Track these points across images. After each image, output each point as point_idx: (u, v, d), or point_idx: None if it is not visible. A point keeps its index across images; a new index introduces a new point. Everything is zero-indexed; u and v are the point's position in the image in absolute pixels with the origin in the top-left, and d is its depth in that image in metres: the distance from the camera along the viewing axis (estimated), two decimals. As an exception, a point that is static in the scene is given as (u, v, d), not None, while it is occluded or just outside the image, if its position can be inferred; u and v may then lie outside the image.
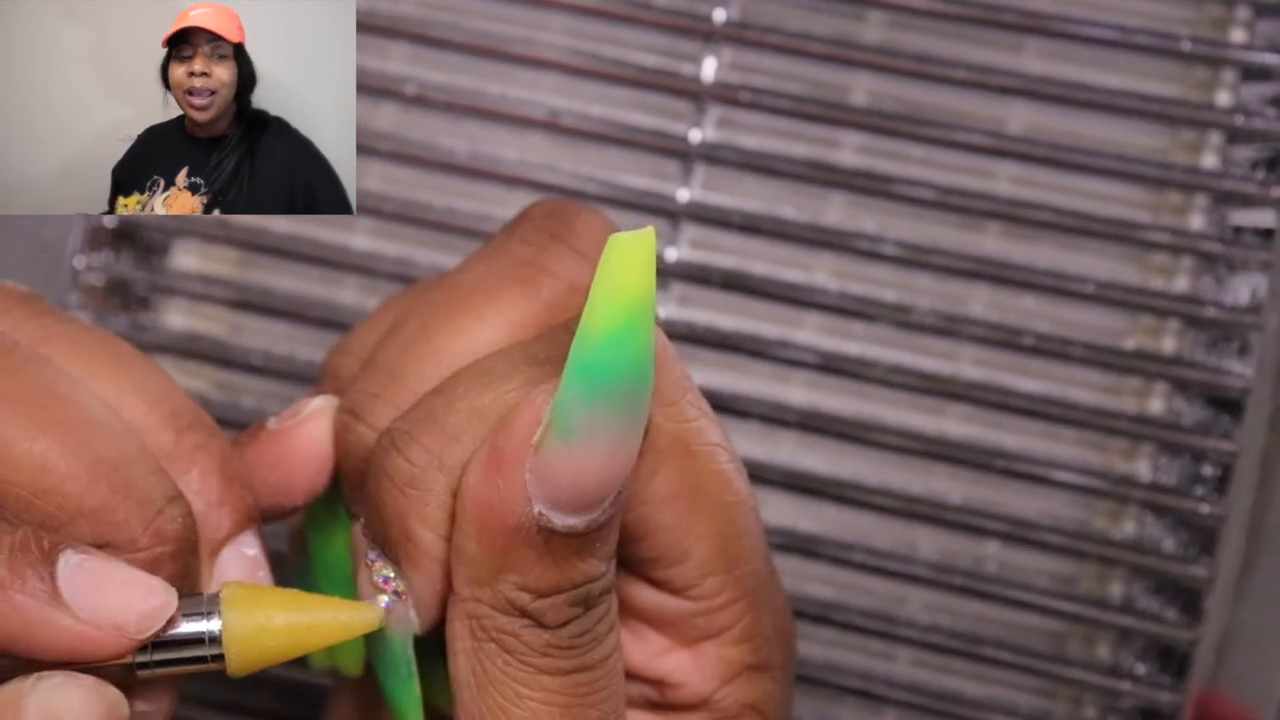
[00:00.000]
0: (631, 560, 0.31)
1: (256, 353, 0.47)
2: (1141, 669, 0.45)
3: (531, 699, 0.28)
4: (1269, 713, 0.44)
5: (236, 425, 0.47)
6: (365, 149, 0.46)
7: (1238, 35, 0.45)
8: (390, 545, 0.30)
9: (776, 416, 0.46)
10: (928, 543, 0.46)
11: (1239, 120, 0.45)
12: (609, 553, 0.28)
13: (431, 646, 0.31)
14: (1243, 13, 0.45)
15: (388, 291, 0.47)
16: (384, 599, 0.30)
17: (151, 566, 0.28)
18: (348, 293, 0.48)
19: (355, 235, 0.47)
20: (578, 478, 0.27)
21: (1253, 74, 0.45)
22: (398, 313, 0.33)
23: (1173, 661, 0.45)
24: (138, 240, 0.48)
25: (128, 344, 0.32)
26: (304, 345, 0.47)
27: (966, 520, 0.45)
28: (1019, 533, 0.45)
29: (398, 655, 0.30)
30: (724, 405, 0.46)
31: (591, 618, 0.29)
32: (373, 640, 0.31)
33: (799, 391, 0.46)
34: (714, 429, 0.31)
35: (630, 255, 0.26)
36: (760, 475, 0.45)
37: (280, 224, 0.47)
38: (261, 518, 0.33)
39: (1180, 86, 0.46)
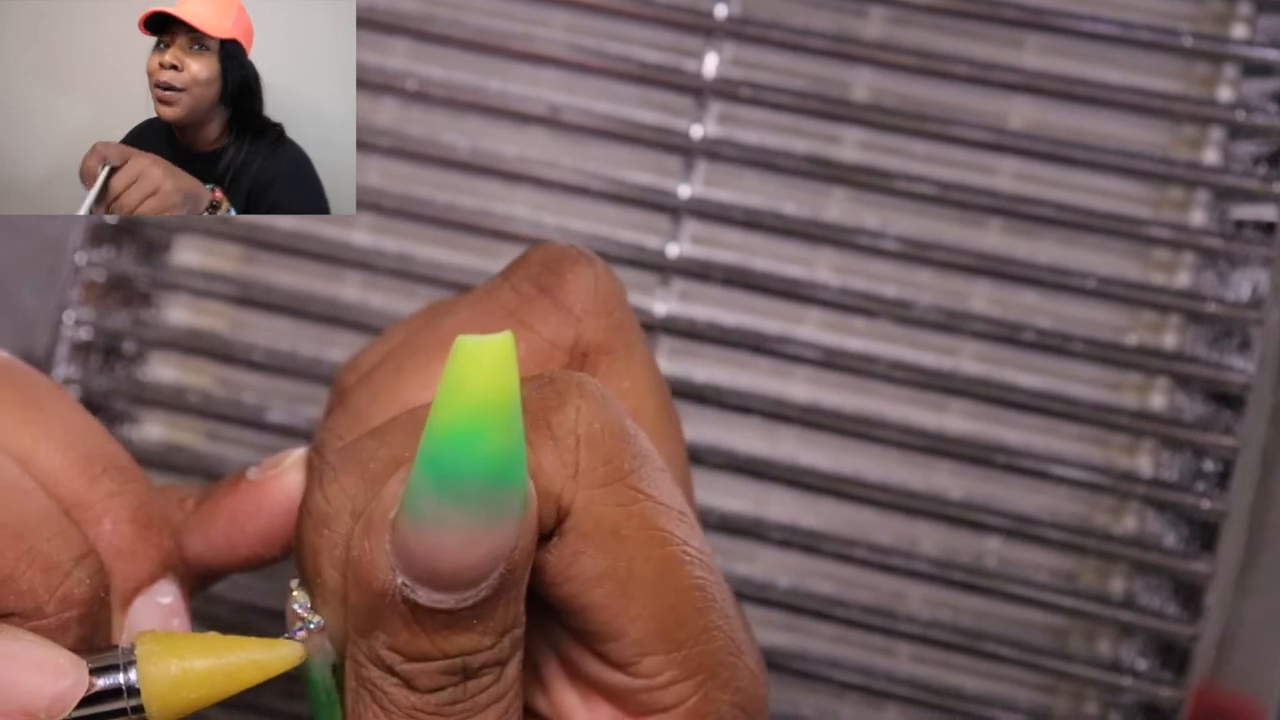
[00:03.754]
0: (573, 630, 0.30)
1: (258, 348, 0.47)
2: (1143, 664, 0.45)
3: None
4: (1270, 708, 0.44)
5: (238, 421, 0.47)
6: (366, 144, 0.46)
7: (1239, 30, 0.45)
8: (305, 579, 0.30)
9: (778, 412, 0.46)
10: (929, 538, 0.46)
11: (1240, 116, 0.45)
12: (500, 628, 0.28)
13: None
14: (1244, 8, 0.45)
15: (388, 287, 0.47)
16: (299, 627, 0.30)
17: (59, 630, 0.28)
18: (349, 288, 0.48)
19: (356, 231, 0.47)
20: (431, 561, 0.26)
21: (1254, 69, 0.45)
22: (397, 341, 0.33)
23: (1174, 657, 0.45)
24: (139, 236, 0.48)
25: (49, 383, 0.32)
26: (306, 341, 0.47)
27: (968, 516, 0.45)
28: (1020, 528, 0.45)
29: (317, 683, 0.31)
30: (725, 401, 0.46)
31: (470, 689, 0.28)
32: (299, 666, 0.31)
33: (800, 387, 0.46)
34: (661, 514, 0.29)
35: (475, 359, 0.25)
36: (762, 471, 0.45)
37: (282, 220, 0.47)
38: (244, 567, 0.33)
39: (1182, 82, 0.46)
